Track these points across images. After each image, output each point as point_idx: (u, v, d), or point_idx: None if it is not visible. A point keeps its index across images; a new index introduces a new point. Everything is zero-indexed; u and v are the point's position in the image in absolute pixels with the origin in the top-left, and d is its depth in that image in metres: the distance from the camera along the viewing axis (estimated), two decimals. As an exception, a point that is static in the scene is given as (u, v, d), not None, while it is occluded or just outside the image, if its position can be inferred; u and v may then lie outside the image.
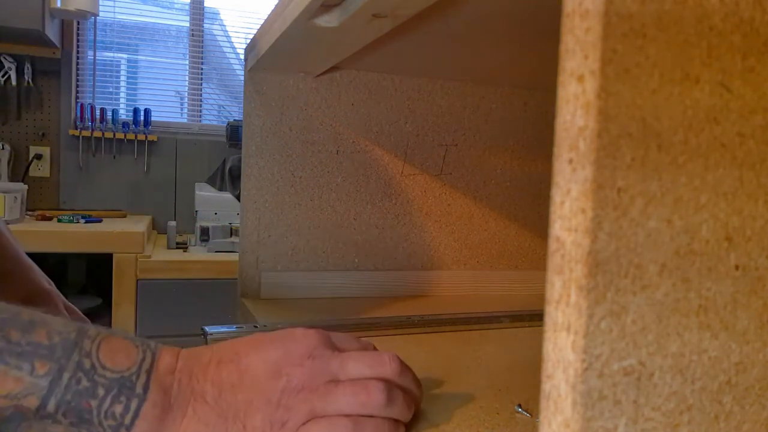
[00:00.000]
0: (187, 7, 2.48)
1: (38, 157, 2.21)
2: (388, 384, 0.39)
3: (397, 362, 0.40)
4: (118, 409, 0.35)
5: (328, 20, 0.54)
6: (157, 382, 0.36)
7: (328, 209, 0.85)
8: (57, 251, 1.87)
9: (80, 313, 0.70)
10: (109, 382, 0.35)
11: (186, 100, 2.49)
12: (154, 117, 2.36)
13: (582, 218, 0.19)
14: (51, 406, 0.34)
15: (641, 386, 0.21)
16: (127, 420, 0.35)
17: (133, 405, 0.35)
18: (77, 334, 0.36)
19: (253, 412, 0.37)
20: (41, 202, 2.22)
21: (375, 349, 0.44)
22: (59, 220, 1.92)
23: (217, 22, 2.56)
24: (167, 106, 2.48)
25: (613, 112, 0.19)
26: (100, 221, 1.99)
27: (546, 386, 0.21)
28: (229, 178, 2.20)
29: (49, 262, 2.06)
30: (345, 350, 0.41)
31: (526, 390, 0.51)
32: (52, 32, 2.02)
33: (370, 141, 0.86)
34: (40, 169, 2.22)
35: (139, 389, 0.36)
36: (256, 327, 0.63)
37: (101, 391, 0.35)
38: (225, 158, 2.27)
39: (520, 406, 0.46)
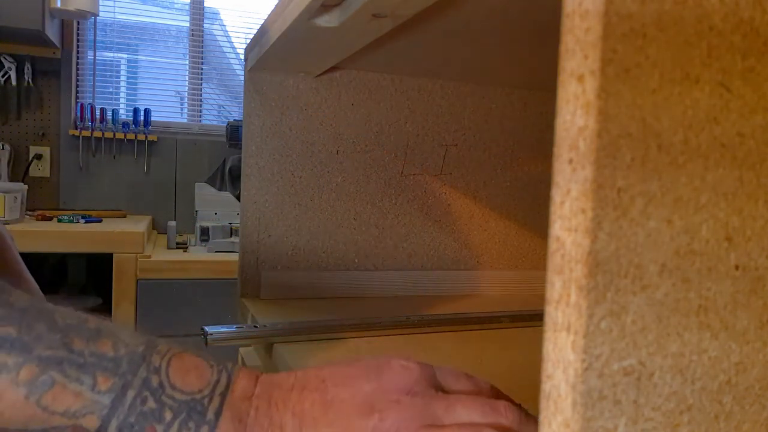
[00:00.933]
0: (187, 7, 2.48)
1: (38, 157, 2.21)
2: None
3: (517, 413, 0.34)
4: None
5: (328, 20, 0.54)
6: (232, 408, 0.33)
7: (328, 209, 0.85)
8: (57, 251, 1.87)
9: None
10: (178, 405, 0.32)
11: (186, 100, 2.49)
12: (154, 117, 2.36)
13: (582, 218, 0.19)
14: (112, 429, 0.30)
15: (641, 386, 0.21)
16: None
17: None
18: (146, 347, 0.33)
19: None
20: (41, 202, 2.22)
21: (495, 391, 0.37)
22: (59, 220, 1.92)
23: (217, 22, 2.56)
24: (167, 106, 2.48)
25: (613, 112, 0.19)
26: (100, 221, 1.99)
27: (546, 386, 0.21)
28: (229, 178, 2.20)
29: (49, 262, 2.06)
30: (453, 391, 0.36)
31: (526, 390, 0.51)
32: (52, 32, 2.02)
33: (370, 141, 0.86)
34: (40, 169, 2.22)
35: (210, 415, 0.32)
36: (256, 327, 0.63)
37: (168, 415, 0.31)
38: (225, 158, 2.27)
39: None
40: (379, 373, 0.34)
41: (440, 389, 0.35)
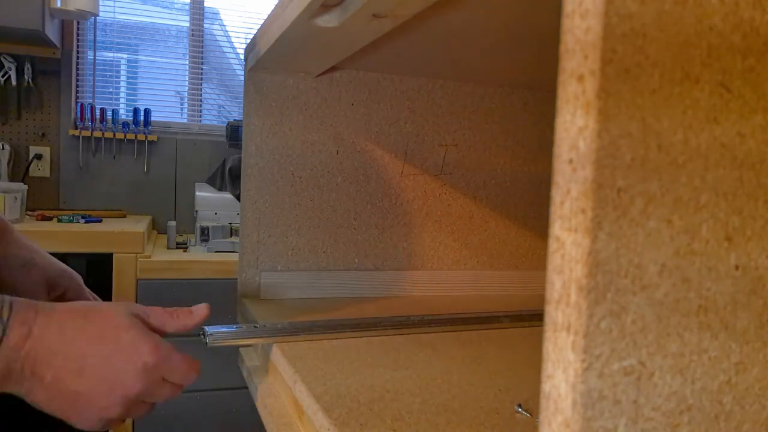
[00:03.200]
0: (187, 7, 2.48)
1: (38, 157, 2.21)
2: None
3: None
4: None
5: (328, 20, 0.54)
6: (4, 358, 0.44)
7: (328, 209, 0.85)
8: (57, 251, 1.86)
9: (96, 296, 0.74)
10: None
11: (186, 100, 2.49)
12: (154, 117, 2.36)
13: (582, 218, 0.19)
14: None
15: (641, 386, 0.21)
16: None
17: None
18: None
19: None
20: (41, 202, 2.21)
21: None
22: (59, 220, 1.92)
23: (217, 22, 2.56)
24: (167, 106, 2.48)
25: (613, 112, 0.19)
26: (99, 221, 1.99)
27: (546, 386, 0.21)
28: (229, 178, 2.20)
29: (49, 262, 2.06)
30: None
31: (526, 390, 0.51)
32: (52, 32, 2.02)
33: (370, 141, 0.86)
34: (40, 169, 2.22)
35: None
36: (256, 327, 0.63)
37: None
38: (225, 158, 2.27)
39: (520, 406, 0.46)
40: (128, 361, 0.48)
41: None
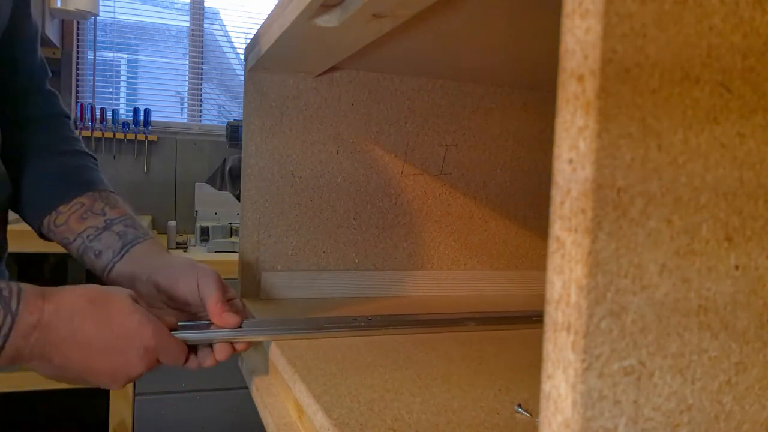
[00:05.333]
0: (187, 7, 2.48)
1: (38, 157, 2.21)
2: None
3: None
4: None
5: (328, 20, 0.54)
6: (12, 346, 0.47)
7: (328, 209, 0.85)
8: (57, 251, 1.86)
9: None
10: None
11: (186, 100, 2.49)
12: (154, 117, 2.36)
13: (582, 218, 0.19)
14: None
15: (641, 386, 0.21)
16: None
17: None
18: None
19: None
20: (41, 202, 2.21)
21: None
22: (59, 220, 1.91)
23: (217, 22, 2.56)
24: (167, 106, 2.48)
25: (613, 112, 0.19)
26: (100, 221, 1.99)
27: (546, 386, 0.21)
28: (229, 178, 2.20)
29: (49, 261, 2.06)
30: None
31: (526, 390, 0.51)
32: (52, 32, 2.02)
33: (370, 141, 0.86)
34: (40, 169, 2.22)
35: None
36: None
37: None
38: (225, 158, 2.27)
39: (520, 406, 0.46)
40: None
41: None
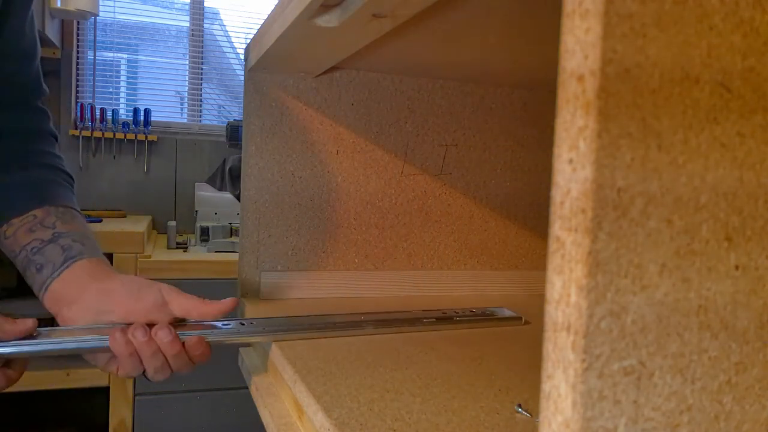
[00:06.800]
0: (187, 7, 2.48)
1: (38, 157, 2.21)
2: None
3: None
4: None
5: (328, 20, 0.54)
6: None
7: (328, 209, 0.85)
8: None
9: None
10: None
11: (186, 100, 2.49)
12: (154, 117, 2.36)
13: (582, 218, 0.19)
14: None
15: (641, 386, 0.21)
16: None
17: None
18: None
19: None
20: (41, 202, 2.21)
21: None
22: (59, 220, 1.91)
23: (217, 22, 2.56)
24: (167, 106, 2.48)
25: (613, 112, 0.19)
26: (100, 221, 1.99)
27: (546, 386, 0.21)
28: (229, 178, 2.20)
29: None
30: None
31: (526, 390, 0.51)
32: (52, 32, 2.02)
33: (370, 141, 0.86)
34: (40, 169, 2.22)
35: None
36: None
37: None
38: (225, 158, 2.27)
39: (520, 406, 0.46)
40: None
41: None
